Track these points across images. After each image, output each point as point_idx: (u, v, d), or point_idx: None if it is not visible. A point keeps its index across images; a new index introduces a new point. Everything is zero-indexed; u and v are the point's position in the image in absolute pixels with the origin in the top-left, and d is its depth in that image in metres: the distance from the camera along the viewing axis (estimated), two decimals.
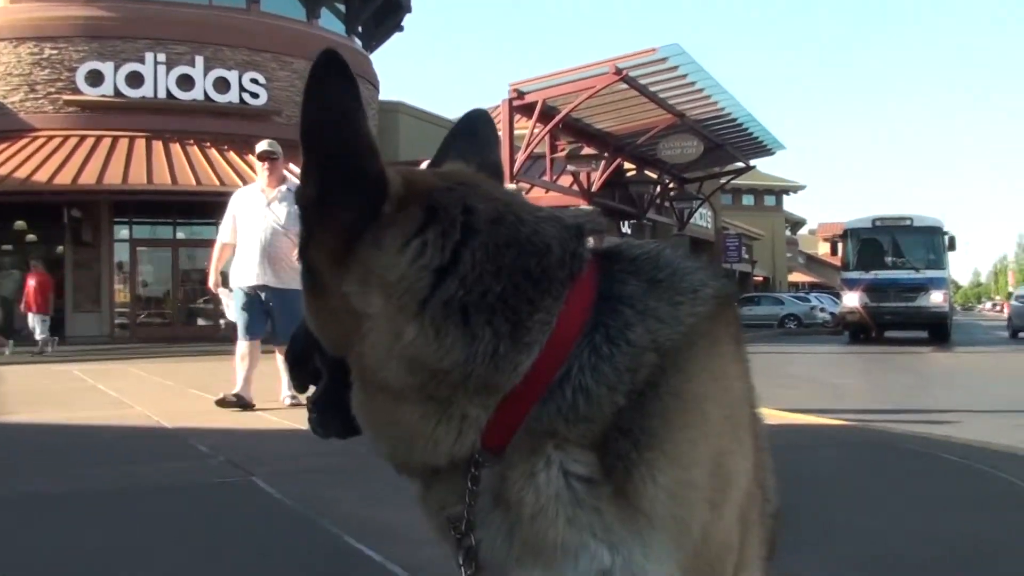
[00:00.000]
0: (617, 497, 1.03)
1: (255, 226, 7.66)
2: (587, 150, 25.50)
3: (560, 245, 1.10)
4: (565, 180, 25.62)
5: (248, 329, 7.74)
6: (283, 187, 7.75)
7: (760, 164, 34.33)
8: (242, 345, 7.72)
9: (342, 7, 28.62)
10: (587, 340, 1.06)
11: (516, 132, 23.13)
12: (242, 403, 7.54)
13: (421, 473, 1.13)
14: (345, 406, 1.14)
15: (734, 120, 26.26)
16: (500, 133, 18.09)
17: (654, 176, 29.49)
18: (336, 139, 1.06)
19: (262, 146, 7.94)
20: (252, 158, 9.72)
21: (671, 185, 31.51)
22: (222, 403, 7.54)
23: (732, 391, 1.14)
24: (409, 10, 31.16)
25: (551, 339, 1.04)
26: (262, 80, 25.51)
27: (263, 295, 7.67)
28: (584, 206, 24.55)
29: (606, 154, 25.87)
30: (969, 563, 3.33)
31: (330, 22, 28.04)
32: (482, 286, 1.04)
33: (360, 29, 29.92)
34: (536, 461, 1.05)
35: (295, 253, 6.59)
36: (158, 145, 23.77)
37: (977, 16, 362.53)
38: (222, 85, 25.03)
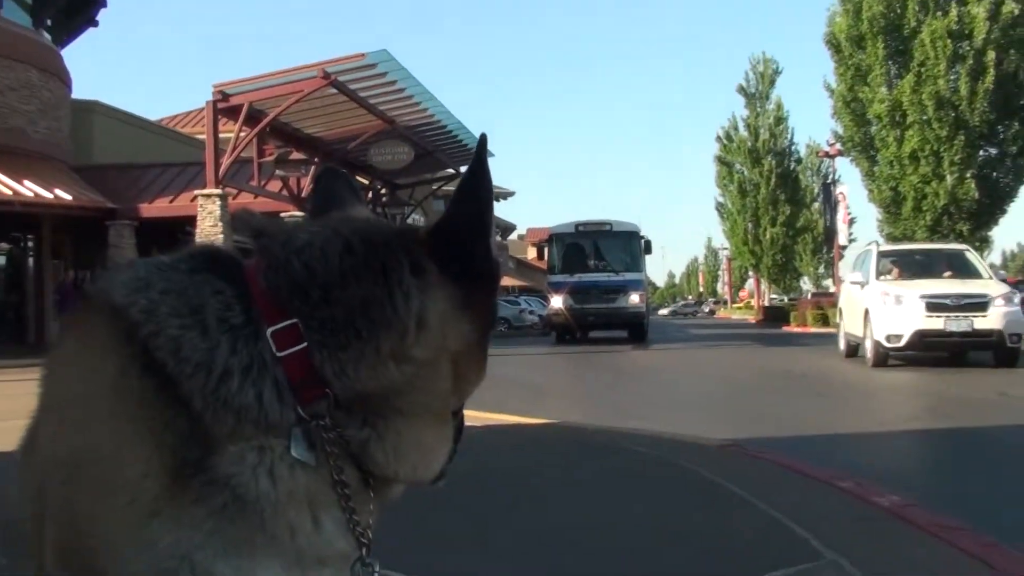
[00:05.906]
0: None
1: None
2: (296, 155, 24.98)
3: None
4: (274, 185, 24.97)
5: None
6: None
7: None
8: None
9: None
10: None
11: (222, 135, 22.34)
12: None
13: None
14: None
15: (444, 127, 26.58)
16: (204, 136, 17.21)
17: (366, 182, 29.35)
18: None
19: None
20: None
21: (383, 191, 31.50)
22: None
23: None
24: (104, 5, 29.35)
25: None
26: None
27: None
28: (294, 212, 24.11)
29: (316, 159, 25.46)
30: (647, 550, 3.46)
31: (13, 12, 25.84)
32: None
33: (49, 22, 27.83)
34: None
35: None
36: None
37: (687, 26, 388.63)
38: None
